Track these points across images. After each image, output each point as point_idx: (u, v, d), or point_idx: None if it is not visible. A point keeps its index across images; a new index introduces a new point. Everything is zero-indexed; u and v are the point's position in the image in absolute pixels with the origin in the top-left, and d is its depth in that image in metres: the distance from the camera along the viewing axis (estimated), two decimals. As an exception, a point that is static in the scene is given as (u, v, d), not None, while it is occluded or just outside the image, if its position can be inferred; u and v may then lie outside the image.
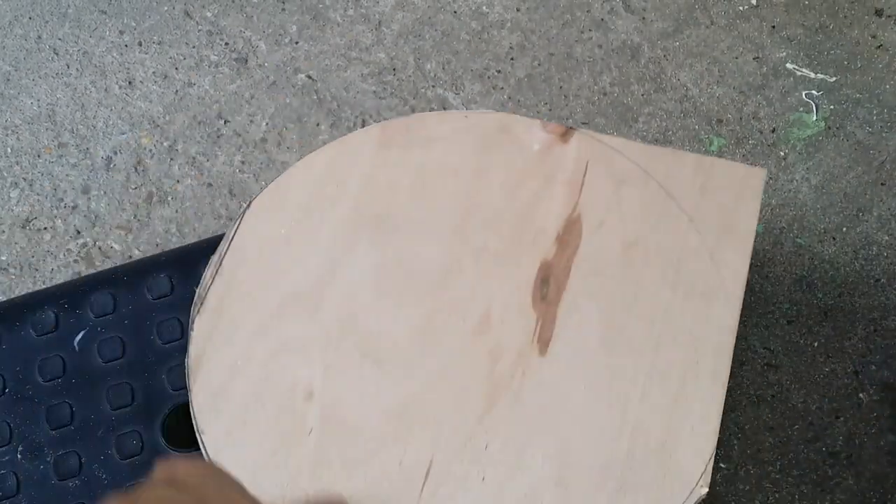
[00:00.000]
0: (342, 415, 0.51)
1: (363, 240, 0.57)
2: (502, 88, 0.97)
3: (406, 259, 0.56)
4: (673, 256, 0.56)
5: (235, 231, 0.57)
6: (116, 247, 0.91)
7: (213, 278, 0.56)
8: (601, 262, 0.55)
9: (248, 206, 0.59)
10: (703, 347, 0.52)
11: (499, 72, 0.98)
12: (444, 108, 0.96)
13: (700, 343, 0.52)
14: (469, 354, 0.53)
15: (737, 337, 0.88)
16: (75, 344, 0.59)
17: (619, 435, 0.50)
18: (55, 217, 0.92)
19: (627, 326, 0.53)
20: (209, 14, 1.02)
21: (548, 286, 0.55)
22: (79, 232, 0.91)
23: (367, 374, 0.52)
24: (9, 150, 0.95)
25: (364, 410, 0.51)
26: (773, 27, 1.01)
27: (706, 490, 0.47)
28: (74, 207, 0.92)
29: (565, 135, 0.59)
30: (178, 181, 0.93)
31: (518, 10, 1.01)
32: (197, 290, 0.56)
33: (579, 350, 0.53)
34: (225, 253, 0.56)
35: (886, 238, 0.91)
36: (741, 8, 1.02)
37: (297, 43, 1.00)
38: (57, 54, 1.00)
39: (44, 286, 0.82)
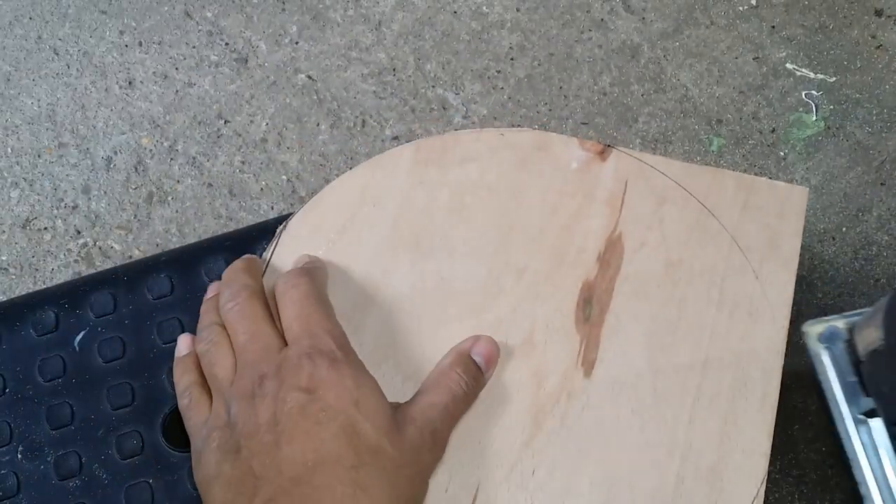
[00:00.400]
0: None
1: (402, 261, 0.56)
2: (502, 88, 0.97)
3: (446, 280, 0.55)
4: (717, 276, 0.55)
5: (273, 252, 0.57)
6: (116, 247, 0.91)
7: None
8: (644, 283, 0.54)
9: (285, 226, 0.58)
10: (751, 368, 0.51)
11: (499, 72, 0.98)
12: (445, 108, 0.96)
13: (748, 364, 0.52)
14: (514, 376, 0.52)
15: (737, 337, 0.88)
16: (75, 344, 0.59)
17: (668, 459, 0.49)
18: (55, 217, 0.92)
19: (673, 347, 0.52)
20: (209, 14, 1.02)
21: (591, 307, 0.54)
22: (79, 232, 0.91)
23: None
24: (9, 150, 0.96)
25: None
26: (773, 27, 1.01)
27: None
28: (75, 207, 0.93)
29: (603, 153, 0.59)
30: (178, 181, 0.93)
31: (518, 10, 1.01)
32: None
33: (625, 372, 0.52)
34: (263, 275, 0.56)
35: (886, 238, 0.91)
36: (741, 8, 1.02)
37: (297, 43, 1.00)
38: (57, 54, 1.00)
39: (44, 286, 0.82)
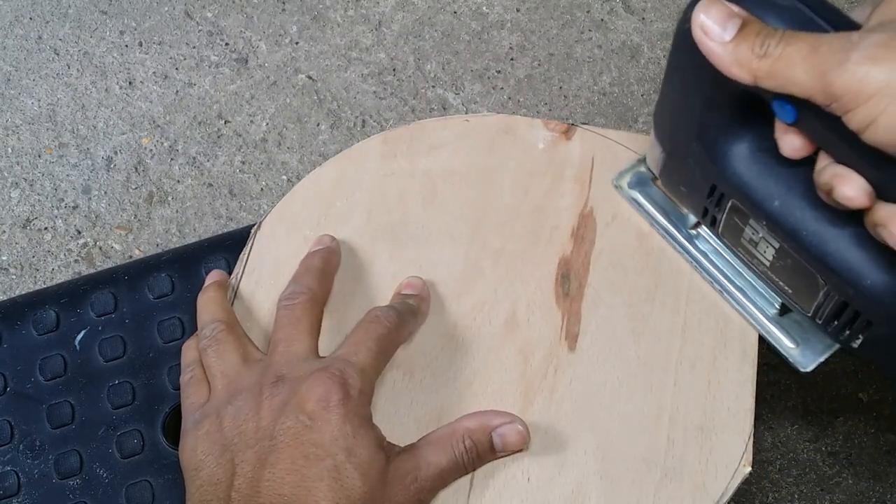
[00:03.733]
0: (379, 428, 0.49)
1: (380, 252, 0.56)
2: (502, 89, 0.98)
3: (426, 267, 0.55)
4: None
5: (248, 254, 0.57)
6: (117, 247, 0.91)
7: (232, 303, 0.55)
8: (619, 254, 0.55)
9: (259, 226, 0.58)
10: (729, 329, 0.52)
11: (499, 72, 0.98)
12: (445, 109, 0.96)
13: (725, 325, 0.52)
14: (500, 356, 0.52)
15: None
16: (76, 343, 0.60)
17: (657, 423, 0.49)
18: (56, 217, 0.92)
19: (652, 315, 0.52)
20: (209, 14, 1.02)
21: (569, 282, 0.54)
22: (79, 232, 0.91)
23: (399, 386, 0.52)
24: (9, 150, 0.96)
25: (400, 422, 0.51)
26: (773, 27, 1.01)
27: (749, 469, 0.47)
28: (75, 207, 0.93)
29: (568, 132, 0.59)
30: (178, 181, 0.94)
31: (518, 10, 1.01)
32: None
33: (608, 342, 0.52)
34: (241, 277, 0.56)
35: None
36: (741, 8, 1.02)
37: (297, 43, 1.00)
38: (57, 54, 1.00)
39: (44, 286, 0.82)
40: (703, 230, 0.54)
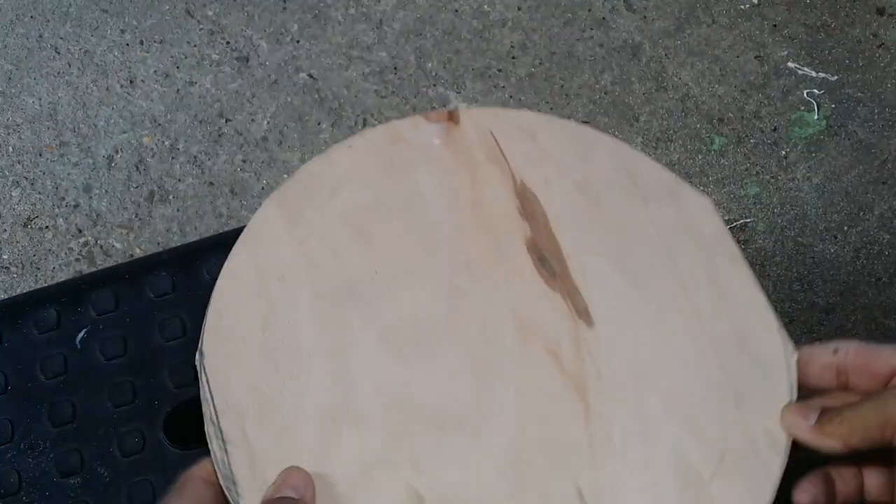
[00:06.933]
0: (461, 499, 0.45)
1: (350, 321, 0.50)
2: (503, 87, 0.97)
3: (406, 312, 0.50)
4: (623, 173, 0.54)
5: (210, 392, 0.48)
6: (118, 245, 0.91)
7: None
8: (573, 214, 0.52)
9: (201, 353, 0.49)
10: (703, 240, 0.51)
11: (500, 70, 0.98)
12: (446, 107, 0.96)
13: (699, 238, 0.51)
14: (531, 366, 0.49)
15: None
16: (77, 342, 0.59)
17: (704, 355, 0.48)
18: (57, 216, 0.92)
19: (636, 256, 0.51)
20: (210, 13, 1.02)
21: (548, 262, 0.52)
22: (80, 231, 0.91)
23: (448, 449, 0.46)
24: (10, 148, 0.95)
25: (470, 483, 0.46)
26: (775, 26, 1.01)
27: (796, 355, 0.47)
28: (76, 206, 0.93)
29: (452, 117, 0.56)
30: (179, 180, 0.93)
31: (519, 8, 1.01)
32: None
33: (616, 302, 0.50)
34: (212, 403, 0.48)
35: (888, 237, 0.91)
36: (742, 7, 1.02)
37: (298, 42, 1.00)
38: (58, 53, 1.00)
39: (45, 284, 0.82)
40: None
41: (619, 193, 0.53)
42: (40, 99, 0.98)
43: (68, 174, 0.94)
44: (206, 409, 0.47)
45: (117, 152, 0.95)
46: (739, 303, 0.50)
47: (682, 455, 0.46)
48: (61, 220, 0.92)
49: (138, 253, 0.90)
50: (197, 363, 0.48)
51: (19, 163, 0.95)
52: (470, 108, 0.55)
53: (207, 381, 0.47)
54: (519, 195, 0.53)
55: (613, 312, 0.50)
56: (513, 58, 0.99)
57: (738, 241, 0.91)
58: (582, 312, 0.50)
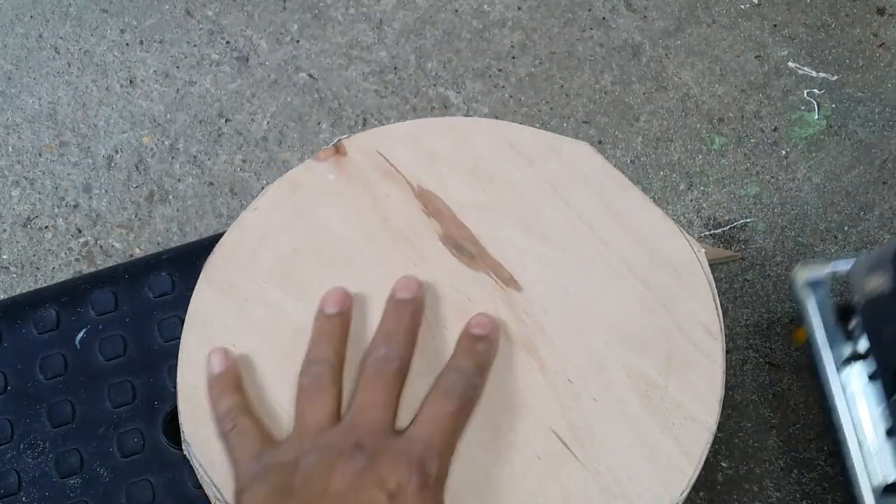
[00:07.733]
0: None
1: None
2: (503, 87, 0.97)
3: (358, 340, 0.52)
4: (505, 146, 0.57)
5: (202, 469, 0.50)
6: (117, 245, 0.91)
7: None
8: (472, 198, 0.56)
9: (186, 443, 0.50)
10: (590, 178, 0.55)
11: (500, 70, 0.98)
12: (446, 107, 0.96)
13: (586, 178, 0.55)
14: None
15: (738, 336, 0.88)
16: (77, 342, 0.59)
17: (624, 277, 0.52)
18: (56, 216, 0.92)
19: (538, 214, 0.55)
20: (210, 13, 1.02)
21: (464, 248, 0.55)
22: (80, 230, 0.91)
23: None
24: (10, 148, 0.95)
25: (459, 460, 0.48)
26: (775, 26, 1.01)
27: (703, 250, 0.51)
28: (76, 206, 0.92)
29: (339, 149, 0.58)
30: (179, 180, 0.93)
31: (519, 8, 1.01)
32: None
33: (535, 261, 0.54)
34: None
35: (888, 237, 0.91)
36: (743, 6, 1.02)
37: (298, 42, 1.00)
38: (58, 53, 1.00)
39: (45, 284, 0.82)
40: (858, 368, 0.54)
41: (507, 165, 0.57)
42: (40, 99, 0.98)
43: (68, 174, 0.94)
44: (210, 492, 0.48)
45: (117, 152, 0.95)
46: (640, 222, 0.54)
47: (635, 372, 0.50)
48: (61, 220, 0.92)
49: (138, 253, 0.90)
50: (185, 452, 0.49)
51: (19, 163, 0.95)
52: (351, 136, 0.58)
53: (201, 467, 0.49)
54: (420, 198, 0.56)
55: (536, 272, 0.54)
56: (513, 58, 0.99)
57: (738, 241, 0.91)
58: (508, 281, 0.54)
